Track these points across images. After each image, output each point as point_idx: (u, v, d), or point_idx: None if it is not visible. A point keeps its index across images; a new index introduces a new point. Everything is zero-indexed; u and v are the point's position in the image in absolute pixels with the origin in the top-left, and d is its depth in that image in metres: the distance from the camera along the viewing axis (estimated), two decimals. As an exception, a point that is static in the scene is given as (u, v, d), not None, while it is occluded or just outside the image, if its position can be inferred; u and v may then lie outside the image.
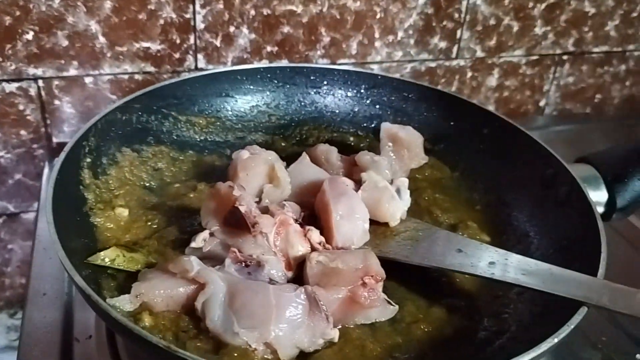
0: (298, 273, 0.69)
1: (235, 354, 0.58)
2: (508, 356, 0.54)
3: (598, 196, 0.81)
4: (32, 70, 1.01)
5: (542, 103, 1.38)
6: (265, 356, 0.59)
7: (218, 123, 0.94)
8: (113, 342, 0.73)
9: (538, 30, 1.27)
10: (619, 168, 0.82)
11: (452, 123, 0.96)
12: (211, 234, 0.69)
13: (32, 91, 1.03)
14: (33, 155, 1.08)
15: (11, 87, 1.02)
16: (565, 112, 1.41)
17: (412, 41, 1.19)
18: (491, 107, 1.33)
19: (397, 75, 1.19)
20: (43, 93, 1.04)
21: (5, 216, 1.13)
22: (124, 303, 0.61)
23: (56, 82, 1.03)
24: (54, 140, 1.08)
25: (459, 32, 1.21)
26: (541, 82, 1.34)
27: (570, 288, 0.62)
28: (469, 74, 1.27)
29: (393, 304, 0.67)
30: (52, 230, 0.61)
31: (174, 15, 1.03)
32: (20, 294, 1.21)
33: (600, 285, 0.62)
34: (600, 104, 1.43)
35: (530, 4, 1.22)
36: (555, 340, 0.55)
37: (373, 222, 0.76)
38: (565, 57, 1.33)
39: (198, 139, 0.92)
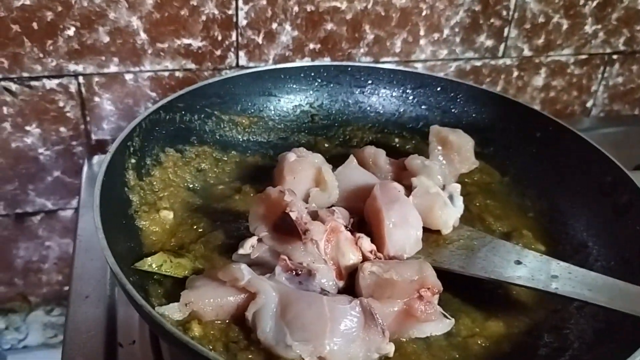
0: (349, 283, 0.66)
1: None
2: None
3: (661, 206, 0.77)
4: (72, 67, 1.00)
5: (589, 104, 1.33)
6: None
7: (261, 123, 0.92)
8: (157, 347, 0.71)
9: (588, 28, 1.22)
10: (683, 175, 0.78)
11: (502, 125, 0.93)
12: (259, 240, 0.67)
13: (72, 88, 1.02)
14: (72, 153, 1.07)
15: (52, 83, 1.01)
16: (613, 113, 1.36)
17: (457, 39, 1.15)
18: (537, 108, 1.28)
19: (442, 75, 1.15)
20: (83, 90, 1.02)
21: (44, 213, 1.12)
22: (172, 312, 0.59)
23: (96, 79, 1.02)
24: (93, 137, 1.07)
25: (506, 30, 1.17)
26: (589, 83, 1.30)
27: (641, 306, 0.58)
28: (515, 74, 1.23)
29: (449, 317, 0.64)
30: (101, 236, 0.59)
31: (216, 12, 1.01)
32: (56, 291, 1.21)
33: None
34: (650, 105, 1.38)
35: (581, 2, 1.18)
36: (631, 364, 0.52)
37: (425, 230, 0.73)
38: (615, 57, 1.28)
39: (241, 139, 0.90)
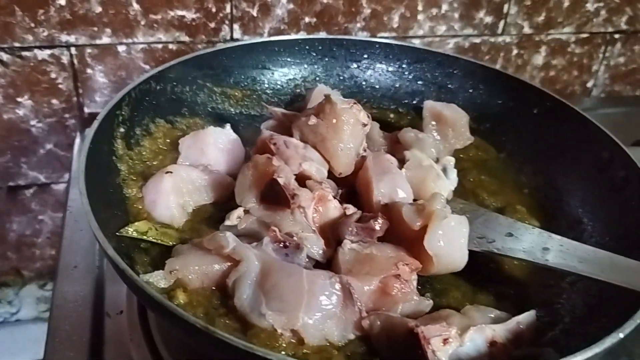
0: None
1: (262, 336, 0.55)
2: (567, 350, 0.50)
3: (658, 181, 0.75)
4: (64, 37, 0.99)
5: (589, 84, 1.31)
6: (292, 341, 0.56)
7: (254, 96, 0.91)
8: (145, 317, 0.71)
9: (590, 6, 1.20)
10: (681, 152, 0.77)
11: (499, 101, 0.92)
12: (246, 212, 0.66)
13: (65, 59, 1.01)
14: (64, 125, 1.07)
15: (43, 53, 1.00)
16: (614, 94, 1.34)
17: (456, 15, 1.13)
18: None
19: (440, 50, 1.14)
20: (75, 61, 1.01)
21: (36, 186, 1.12)
22: (158, 279, 0.59)
23: (89, 50, 1.01)
24: (86, 110, 1.06)
25: (506, 7, 1.15)
26: (590, 62, 1.28)
27: (633, 278, 0.58)
28: (515, 51, 1.22)
29: (428, 298, 0.62)
30: (85, 201, 0.58)
31: (210, -17, 1.00)
32: (50, 265, 1.20)
33: (668, 276, 0.57)
34: (651, 86, 1.36)
35: (584, -22, 1.16)
36: (621, 335, 0.51)
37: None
38: (617, 36, 1.26)
39: (233, 112, 0.89)
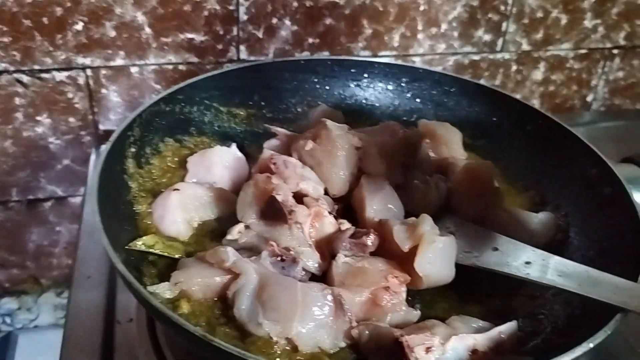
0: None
1: (259, 343, 0.59)
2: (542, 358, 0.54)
3: (643, 198, 0.78)
4: (81, 60, 1.05)
5: (589, 98, 1.34)
6: (287, 348, 0.60)
7: (259, 115, 0.95)
8: (152, 325, 0.75)
9: (587, 23, 1.23)
10: (667, 169, 0.80)
11: (494, 119, 0.95)
12: (246, 227, 0.71)
13: (81, 80, 1.06)
14: (81, 142, 1.12)
15: (61, 75, 1.05)
16: (613, 108, 1.37)
17: (455, 34, 1.17)
18: (536, 102, 1.30)
19: (439, 69, 1.18)
20: (91, 82, 1.07)
21: (54, 199, 1.17)
22: (163, 290, 0.63)
23: (103, 72, 1.07)
24: (101, 127, 1.12)
25: (504, 25, 1.19)
26: (589, 77, 1.31)
27: (608, 292, 0.61)
28: (514, 68, 1.25)
29: (416, 309, 0.66)
30: (97, 218, 0.63)
31: (217, 7, 1.05)
32: (66, 274, 1.26)
33: (638, 290, 0.61)
34: (650, 100, 1.38)
35: (580, -3, 1.19)
36: (591, 345, 0.55)
37: (408, 217, 0.76)
38: (615, 52, 1.29)
39: (239, 130, 0.93)
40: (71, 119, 1.10)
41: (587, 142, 0.83)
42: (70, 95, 1.07)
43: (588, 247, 0.75)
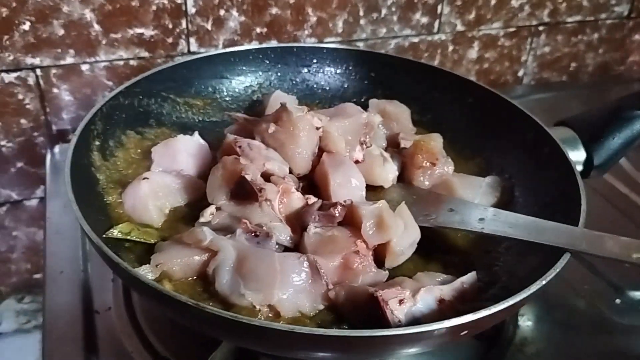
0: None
1: (243, 313, 0.62)
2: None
3: (577, 156, 0.86)
4: (29, 60, 1.04)
5: (520, 73, 1.44)
6: (270, 315, 0.64)
7: (215, 104, 0.98)
8: (131, 311, 0.78)
9: (514, 2, 1.32)
10: (595, 129, 0.88)
11: (437, 94, 1.01)
12: (218, 208, 0.74)
13: (31, 80, 1.06)
14: (34, 144, 1.11)
15: (10, 77, 1.04)
16: (542, 80, 1.47)
17: (395, 18, 1.23)
18: (472, 79, 1.38)
19: (382, 51, 1.23)
20: (41, 82, 1.06)
21: (9, 204, 1.16)
22: (145, 272, 0.65)
23: (54, 71, 1.06)
24: (54, 127, 1.11)
25: (439, 8, 1.26)
26: (519, 53, 1.40)
27: (554, 237, 0.68)
28: (451, 48, 1.32)
29: (385, 270, 0.71)
30: (75, 208, 0.65)
31: (165, 1, 1.06)
32: (26, 279, 1.25)
33: (579, 233, 0.68)
34: (575, 71, 1.49)
35: (506, -22, 1.27)
36: (543, 282, 0.61)
37: (369, 188, 0.81)
38: (541, 28, 1.38)
39: (196, 120, 0.96)
40: (23, 121, 1.09)
41: (524, 109, 0.91)
42: (20, 96, 1.06)
43: (532, 204, 0.82)
